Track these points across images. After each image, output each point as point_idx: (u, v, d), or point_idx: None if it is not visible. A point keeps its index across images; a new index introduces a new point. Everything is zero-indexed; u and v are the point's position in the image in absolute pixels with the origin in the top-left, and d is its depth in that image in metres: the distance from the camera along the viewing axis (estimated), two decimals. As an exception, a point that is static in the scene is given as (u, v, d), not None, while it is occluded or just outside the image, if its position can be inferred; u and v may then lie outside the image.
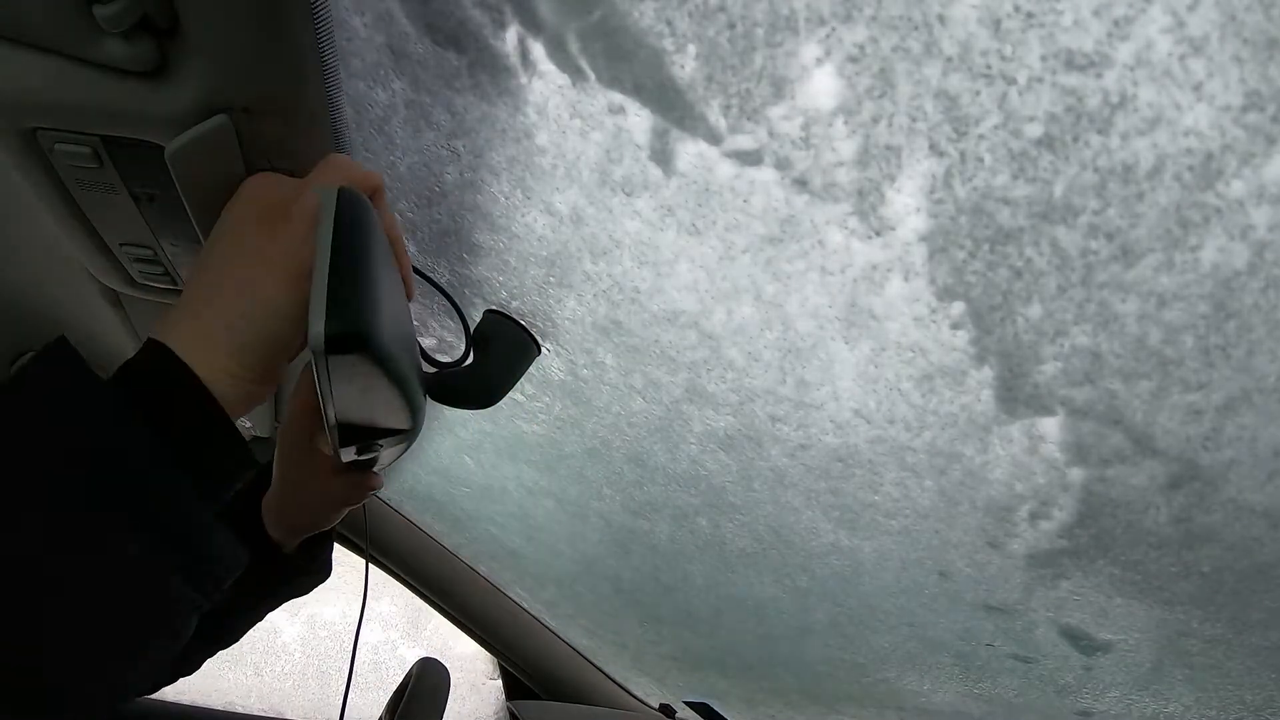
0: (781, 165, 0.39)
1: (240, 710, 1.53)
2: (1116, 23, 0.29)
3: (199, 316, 0.36)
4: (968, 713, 0.88)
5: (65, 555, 0.27)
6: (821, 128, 0.36)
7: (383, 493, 1.08)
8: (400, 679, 0.97)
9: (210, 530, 0.33)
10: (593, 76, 0.38)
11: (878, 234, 0.39)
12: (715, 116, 0.38)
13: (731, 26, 0.34)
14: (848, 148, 0.36)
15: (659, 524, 0.78)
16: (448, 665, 0.97)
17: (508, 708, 1.36)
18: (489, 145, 0.45)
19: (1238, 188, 0.31)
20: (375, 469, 0.53)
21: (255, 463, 0.38)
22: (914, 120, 0.34)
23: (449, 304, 0.54)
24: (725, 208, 0.42)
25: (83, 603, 0.28)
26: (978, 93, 0.32)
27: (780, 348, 0.49)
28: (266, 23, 0.35)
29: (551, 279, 0.52)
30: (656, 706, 1.35)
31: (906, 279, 0.41)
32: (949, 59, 0.32)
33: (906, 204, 0.38)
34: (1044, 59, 0.31)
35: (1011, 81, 0.32)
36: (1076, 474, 0.48)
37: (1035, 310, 0.39)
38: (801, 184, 0.39)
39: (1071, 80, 0.31)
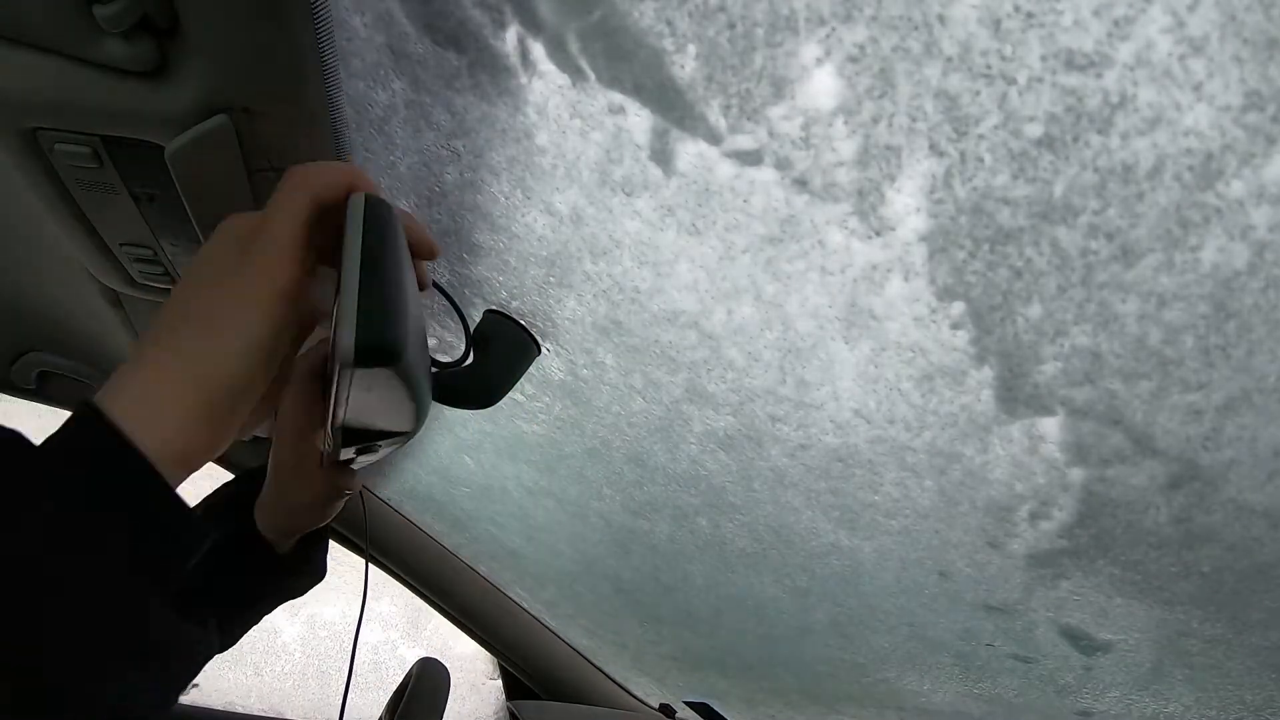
0: (781, 165, 0.39)
1: (240, 710, 1.53)
2: (1116, 23, 0.29)
3: (160, 373, 0.32)
4: (968, 713, 0.88)
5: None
6: (821, 128, 0.36)
7: (383, 493, 1.08)
8: (400, 679, 0.97)
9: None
10: (593, 76, 0.38)
11: (878, 234, 0.39)
12: (715, 116, 0.38)
13: (731, 26, 0.34)
14: (848, 148, 0.36)
15: (659, 524, 0.78)
16: (448, 665, 0.97)
17: (508, 708, 1.36)
18: (489, 145, 0.45)
19: (1238, 188, 0.31)
20: (365, 457, 0.53)
21: (207, 536, 0.34)
22: (914, 120, 0.34)
23: (449, 304, 0.54)
24: (725, 208, 0.42)
25: (81, 602, 0.28)
26: (978, 93, 0.32)
27: (780, 348, 0.49)
28: (266, 23, 0.35)
29: (551, 279, 0.52)
30: (656, 706, 1.35)
31: (906, 279, 0.41)
32: (949, 59, 0.32)
33: (906, 204, 0.38)
34: (1044, 59, 0.31)
35: (1011, 81, 0.32)
36: (1076, 474, 0.48)
37: (1035, 310, 0.39)
38: (801, 184, 0.39)
39: (1071, 80, 0.31)
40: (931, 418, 0.49)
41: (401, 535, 1.12)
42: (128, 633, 0.29)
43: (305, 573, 0.57)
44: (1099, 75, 0.30)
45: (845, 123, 0.36)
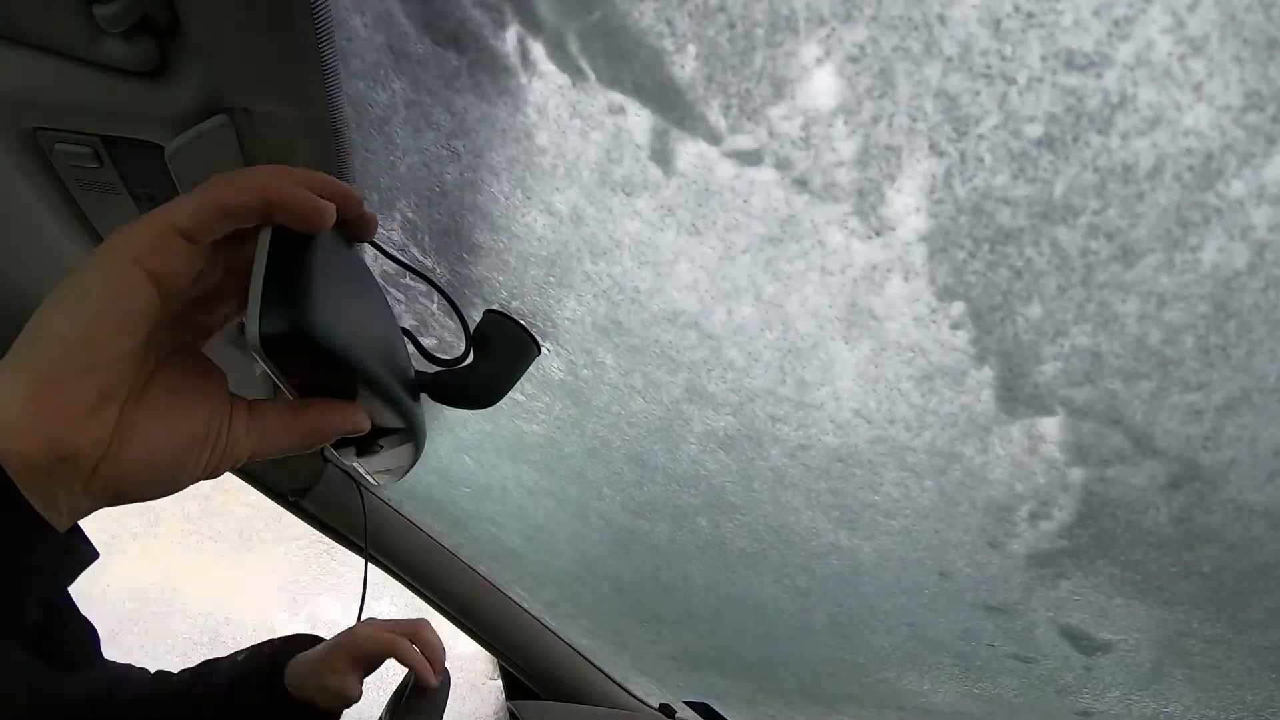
0: (781, 165, 0.39)
1: (240, 710, 1.53)
2: (1116, 23, 0.29)
3: None
4: (968, 713, 0.88)
5: None
6: (821, 128, 0.36)
7: (383, 492, 1.08)
8: (400, 679, 0.97)
9: None
10: (593, 76, 0.38)
11: (878, 234, 0.39)
12: (715, 116, 0.38)
13: (731, 26, 0.34)
14: (848, 148, 0.36)
15: (659, 524, 0.78)
16: (448, 665, 0.97)
17: (508, 708, 1.36)
18: (489, 145, 0.45)
19: (1238, 188, 0.31)
20: (385, 475, 0.53)
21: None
22: (914, 120, 0.34)
23: (448, 304, 0.54)
24: (725, 208, 0.42)
25: None
26: (978, 93, 0.32)
27: (780, 348, 0.49)
28: (266, 23, 0.35)
29: (551, 279, 0.52)
30: (656, 706, 1.35)
31: (906, 279, 0.41)
32: (949, 59, 0.32)
33: (906, 204, 0.38)
34: (1044, 59, 0.31)
35: (1012, 81, 0.32)
36: (1076, 474, 0.48)
37: (1035, 310, 0.39)
38: (801, 184, 0.39)
39: (1071, 80, 0.31)
40: (931, 418, 0.49)
41: (401, 535, 1.12)
42: None
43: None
44: (1099, 75, 0.30)
45: (845, 123, 0.36)
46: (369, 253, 0.57)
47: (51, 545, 0.29)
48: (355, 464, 0.48)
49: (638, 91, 0.38)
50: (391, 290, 0.62)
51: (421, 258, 0.57)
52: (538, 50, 0.39)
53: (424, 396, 0.53)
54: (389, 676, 1.54)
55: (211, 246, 0.33)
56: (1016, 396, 0.44)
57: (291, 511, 1.06)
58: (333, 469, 1.05)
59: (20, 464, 0.27)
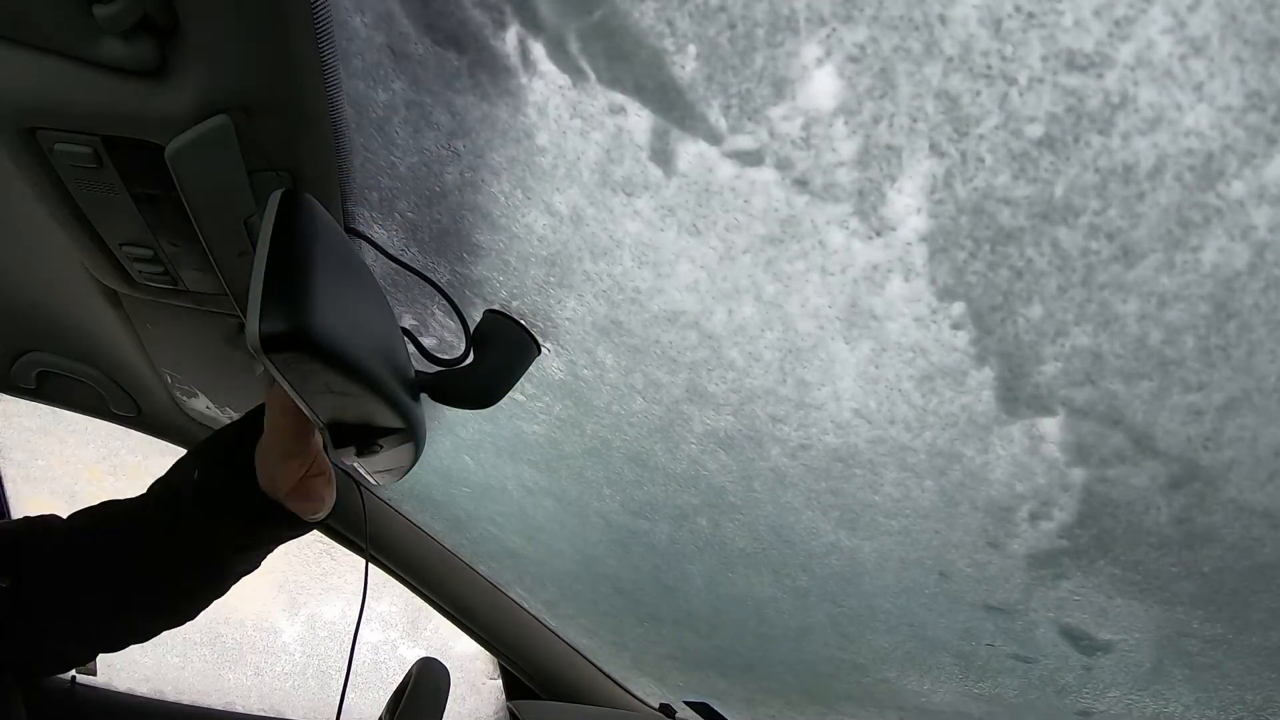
0: (782, 165, 0.39)
1: (240, 710, 1.53)
2: (1117, 23, 0.29)
3: None
4: (968, 713, 0.88)
5: None
6: (822, 128, 0.36)
7: (383, 492, 1.08)
8: (400, 679, 0.97)
9: None
10: (593, 77, 0.38)
11: (878, 234, 0.39)
12: (715, 116, 0.38)
13: (732, 27, 0.34)
14: (848, 148, 0.36)
15: (659, 524, 0.78)
16: (448, 665, 0.97)
17: (508, 708, 1.36)
18: (489, 145, 0.45)
19: (1238, 188, 0.31)
20: (385, 475, 0.53)
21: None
22: (915, 120, 0.34)
23: (448, 304, 0.54)
24: (726, 208, 0.42)
25: None
26: (978, 93, 0.32)
27: (780, 348, 0.49)
28: (266, 23, 0.35)
29: (551, 279, 0.52)
30: (656, 706, 1.35)
31: (907, 279, 0.41)
32: (950, 59, 0.32)
33: (907, 204, 0.38)
34: (1045, 59, 0.31)
35: (1012, 82, 0.32)
36: (1077, 474, 0.48)
37: (1036, 310, 0.39)
38: (802, 184, 0.39)
39: (1072, 80, 0.31)
40: (932, 418, 0.49)
41: (401, 535, 1.12)
42: None
43: (292, 524, 0.56)
44: (1100, 75, 0.30)
45: (846, 123, 0.36)
46: (369, 253, 0.57)
47: None
48: (355, 464, 0.48)
49: (638, 91, 0.38)
50: (391, 290, 0.62)
51: (421, 258, 0.57)
52: (538, 50, 0.39)
53: (424, 396, 0.53)
54: (389, 676, 1.54)
55: None
56: (1017, 397, 0.44)
57: (292, 511, 1.06)
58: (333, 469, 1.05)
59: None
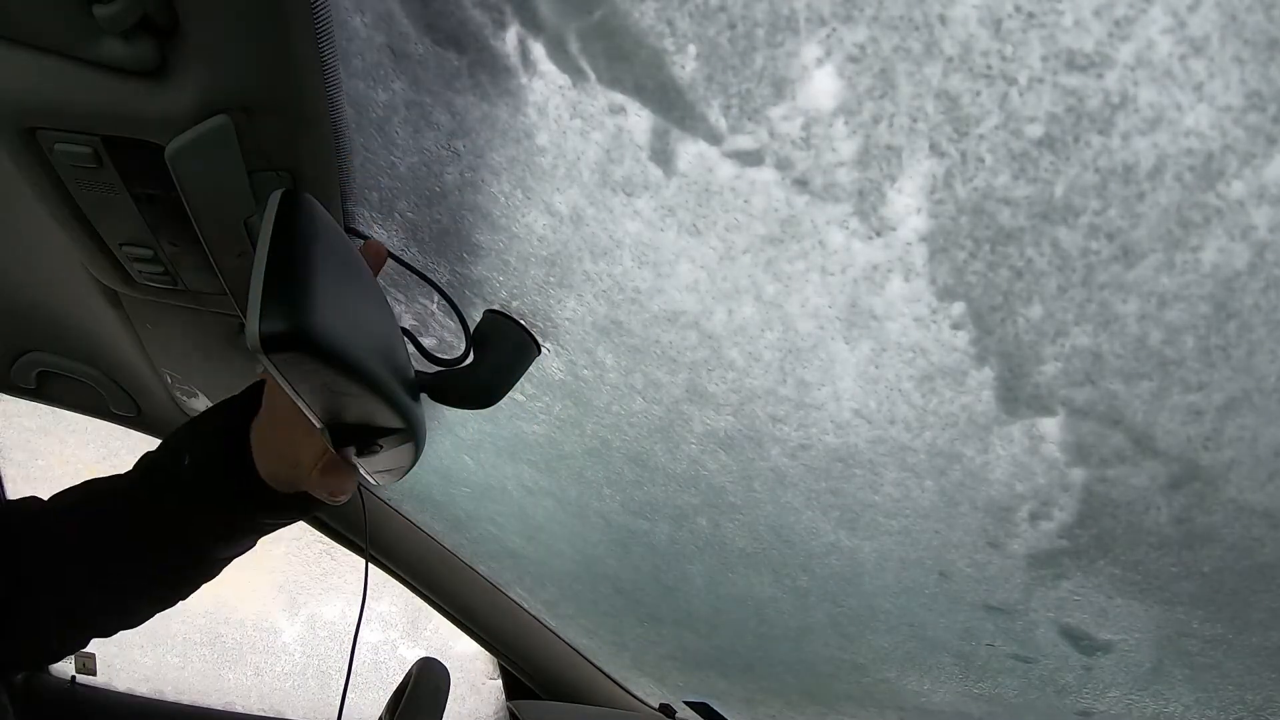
0: (782, 165, 0.39)
1: (240, 710, 1.53)
2: (1117, 23, 0.29)
3: None
4: (968, 713, 0.88)
5: None
6: (822, 128, 0.36)
7: (383, 492, 1.08)
8: (400, 679, 0.97)
9: None
10: (593, 77, 0.38)
11: (878, 234, 0.39)
12: (715, 117, 0.38)
13: (732, 26, 0.34)
14: (848, 148, 0.36)
15: (659, 524, 0.78)
16: (448, 665, 0.97)
17: (508, 708, 1.36)
18: (489, 145, 0.45)
19: (1238, 188, 0.31)
20: (385, 475, 0.53)
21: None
22: (915, 120, 0.34)
23: (448, 304, 0.54)
24: (726, 208, 0.42)
25: None
26: (978, 93, 0.32)
27: (780, 348, 0.49)
28: (266, 23, 0.35)
29: (551, 279, 0.52)
30: (656, 706, 1.35)
31: (907, 279, 0.41)
32: (950, 59, 0.32)
33: (907, 204, 0.38)
34: (1045, 59, 0.31)
35: (1012, 82, 0.32)
36: (1077, 474, 0.48)
37: (1036, 310, 0.39)
38: (802, 184, 0.39)
39: (1072, 80, 0.31)
40: (932, 418, 0.49)
41: (401, 535, 1.12)
42: None
43: (287, 507, 0.54)
44: (1100, 75, 0.30)
45: (846, 123, 0.36)
46: (369, 253, 0.57)
47: None
48: (355, 464, 0.48)
49: (638, 91, 0.38)
50: (391, 290, 0.62)
51: (421, 258, 0.57)
52: (538, 50, 0.39)
53: (424, 396, 0.53)
54: (389, 676, 1.54)
55: None
56: (1017, 397, 0.44)
57: (291, 511, 1.06)
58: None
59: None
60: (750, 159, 0.39)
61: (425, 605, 1.23)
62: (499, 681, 1.49)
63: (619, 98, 0.39)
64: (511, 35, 0.38)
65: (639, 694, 1.36)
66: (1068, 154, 0.33)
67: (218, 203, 0.44)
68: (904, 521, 0.60)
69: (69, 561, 0.53)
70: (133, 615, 0.59)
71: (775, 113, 0.36)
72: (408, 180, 0.50)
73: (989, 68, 0.32)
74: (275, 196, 0.38)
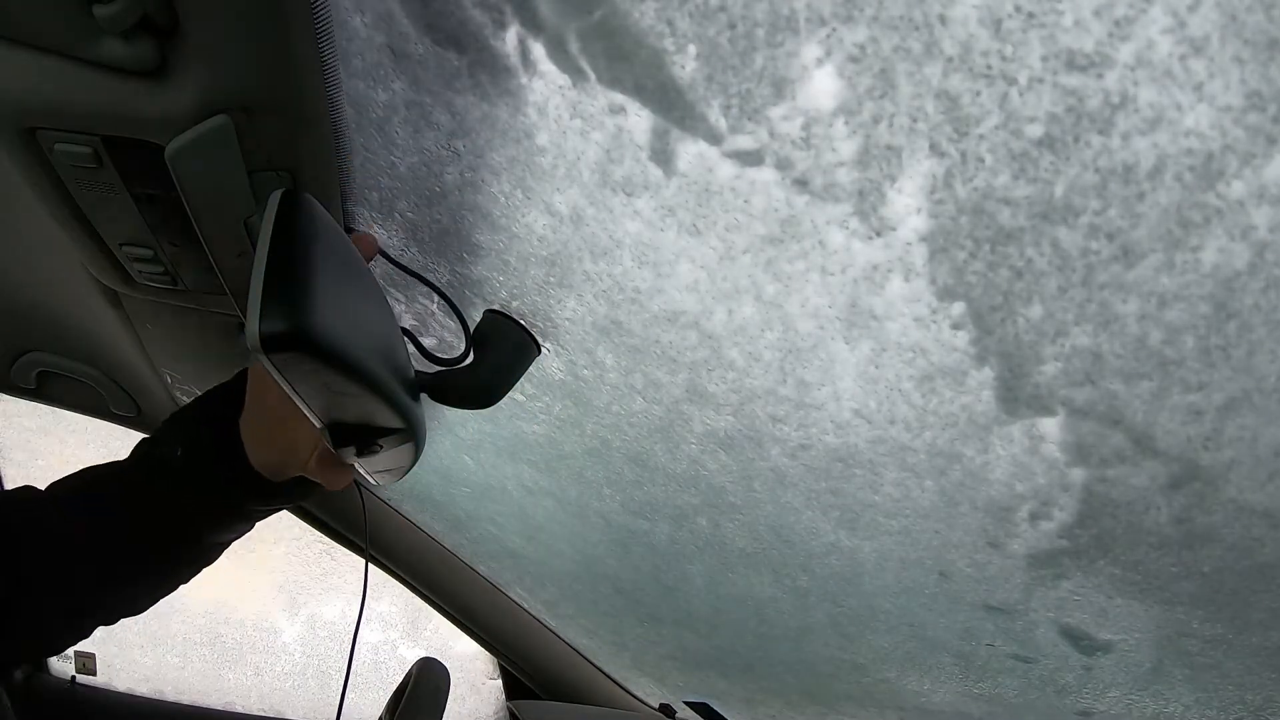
0: (782, 165, 0.39)
1: (240, 710, 1.53)
2: (1117, 23, 0.29)
3: None
4: (968, 713, 0.88)
5: None
6: (822, 128, 0.36)
7: (383, 492, 1.08)
8: (400, 679, 0.97)
9: None
10: (593, 77, 0.38)
11: (878, 234, 0.39)
12: (715, 117, 0.38)
13: (732, 27, 0.34)
14: (848, 148, 0.36)
15: (659, 524, 0.78)
16: (448, 665, 0.97)
17: (508, 708, 1.36)
18: (489, 145, 0.45)
19: (1238, 188, 0.31)
20: (385, 475, 0.53)
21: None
22: (914, 120, 0.34)
23: (448, 304, 0.54)
24: (726, 208, 0.42)
25: None
26: (978, 93, 0.32)
27: (780, 348, 0.49)
28: (266, 23, 0.35)
29: (551, 279, 0.52)
30: (656, 706, 1.35)
31: (907, 279, 0.41)
32: (950, 59, 0.32)
33: (907, 204, 0.38)
34: (1045, 59, 0.31)
35: (1012, 82, 0.32)
36: (1077, 474, 0.48)
37: (1036, 310, 0.39)
38: (802, 184, 0.39)
39: (1072, 80, 0.31)
40: (932, 418, 0.49)
41: (401, 535, 1.12)
42: None
43: (275, 495, 0.55)
44: (1100, 75, 0.30)
45: (846, 123, 0.36)
46: (369, 253, 0.57)
47: None
48: (355, 464, 0.48)
49: (638, 91, 0.38)
50: (391, 290, 0.62)
51: (421, 258, 0.57)
52: (538, 50, 0.39)
53: (424, 396, 0.53)
54: (389, 676, 1.54)
55: None
56: (1017, 397, 0.44)
57: (292, 512, 1.06)
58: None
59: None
60: (750, 159, 0.39)
61: (425, 605, 1.23)
62: (499, 681, 1.49)
63: (619, 98, 0.39)
64: (511, 35, 0.38)
65: (639, 694, 1.36)
66: (1068, 154, 0.33)
67: (218, 203, 0.44)
68: (904, 521, 0.60)
69: (74, 548, 0.54)
70: (131, 601, 0.59)
71: (775, 113, 0.36)
72: (408, 180, 0.50)
73: (989, 68, 0.32)
74: (275, 196, 0.38)
